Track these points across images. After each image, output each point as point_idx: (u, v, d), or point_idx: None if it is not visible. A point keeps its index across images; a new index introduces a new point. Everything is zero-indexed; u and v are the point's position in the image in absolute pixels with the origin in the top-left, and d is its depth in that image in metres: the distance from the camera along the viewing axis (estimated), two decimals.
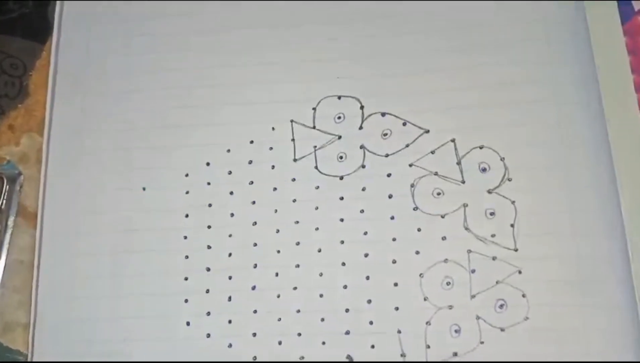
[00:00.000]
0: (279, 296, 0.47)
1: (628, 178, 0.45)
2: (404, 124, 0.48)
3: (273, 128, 0.50)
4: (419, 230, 0.47)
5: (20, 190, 0.51)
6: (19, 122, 0.53)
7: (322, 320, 0.46)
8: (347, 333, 0.46)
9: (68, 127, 0.51)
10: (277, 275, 0.47)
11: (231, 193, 0.49)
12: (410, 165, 0.48)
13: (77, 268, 0.49)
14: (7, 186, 0.50)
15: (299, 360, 0.46)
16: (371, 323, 0.45)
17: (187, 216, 0.49)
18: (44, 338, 0.47)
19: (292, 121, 0.50)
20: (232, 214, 0.48)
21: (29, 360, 0.47)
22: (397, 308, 0.46)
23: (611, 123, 0.46)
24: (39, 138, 0.52)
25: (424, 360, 0.45)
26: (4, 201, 0.50)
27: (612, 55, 0.48)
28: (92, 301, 0.48)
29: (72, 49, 0.53)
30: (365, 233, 0.47)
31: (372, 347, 0.45)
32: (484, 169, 0.47)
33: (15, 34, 0.55)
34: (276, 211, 0.48)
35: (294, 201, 0.48)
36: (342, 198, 0.48)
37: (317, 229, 0.48)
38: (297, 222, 0.48)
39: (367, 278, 0.46)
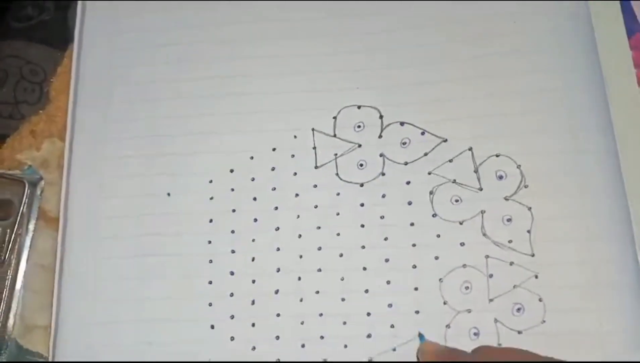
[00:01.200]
0: (301, 300, 0.48)
1: (636, 183, 0.47)
2: (422, 133, 0.50)
3: (295, 136, 0.51)
4: (438, 236, 0.48)
5: (41, 195, 0.52)
6: (41, 128, 0.53)
7: (344, 323, 0.47)
8: (369, 336, 0.47)
9: (90, 133, 0.52)
10: (299, 279, 0.48)
11: (254, 198, 0.50)
12: (429, 173, 0.49)
13: (99, 271, 0.49)
14: (29, 191, 0.51)
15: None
16: (392, 326, 0.47)
17: (211, 221, 0.49)
18: (65, 341, 0.48)
19: (313, 129, 0.51)
20: (255, 220, 0.49)
21: (50, 361, 0.47)
22: (417, 312, 0.47)
23: (619, 131, 0.48)
24: (60, 143, 0.52)
25: None
26: (25, 206, 0.51)
27: (619, 67, 0.50)
28: (114, 305, 0.49)
29: (94, 55, 0.54)
30: (386, 239, 0.48)
31: (394, 349, 0.46)
32: (500, 177, 0.49)
33: (35, 41, 0.56)
34: (298, 216, 0.49)
35: (316, 207, 0.49)
36: (362, 205, 0.49)
37: (338, 234, 0.49)
38: (319, 228, 0.49)
39: (388, 282, 0.47)
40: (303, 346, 0.47)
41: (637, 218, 0.46)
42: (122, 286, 0.49)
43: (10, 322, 0.49)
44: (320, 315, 0.47)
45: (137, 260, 0.49)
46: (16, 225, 0.50)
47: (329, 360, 0.46)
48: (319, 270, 0.48)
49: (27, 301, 0.50)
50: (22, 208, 0.51)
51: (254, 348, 0.47)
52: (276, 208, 0.49)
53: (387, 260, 0.48)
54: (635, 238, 0.46)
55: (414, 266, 0.47)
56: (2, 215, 0.50)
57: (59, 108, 0.53)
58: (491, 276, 0.47)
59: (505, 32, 0.51)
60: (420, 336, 0.46)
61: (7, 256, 0.50)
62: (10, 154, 0.53)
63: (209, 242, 0.49)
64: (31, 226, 0.51)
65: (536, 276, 0.46)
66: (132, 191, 0.50)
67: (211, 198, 0.50)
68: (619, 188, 0.47)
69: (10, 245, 0.50)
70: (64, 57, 0.55)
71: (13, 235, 0.50)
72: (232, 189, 0.50)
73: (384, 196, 0.49)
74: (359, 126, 0.50)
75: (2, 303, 0.49)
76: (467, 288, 0.47)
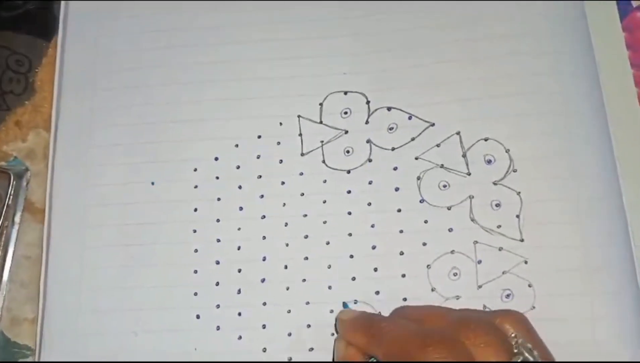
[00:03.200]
0: (288, 288, 0.47)
1: (628, 165, 0.46)
2: (410, 118, 0.49)
3: (281, 123, 0.50)
4: (425, 221, 0.47)
5: (27, 186, 0.51)
6: (26, 119, 0.53)
7: (331, 311, 0.46)
8: None
9: (75, 123, 0.51)
10: (286, 267, 0.47)
11: (240, 187, 0.49)
12: (416, 158, 0.48)
13: (85, 262, 0.49)
14: (14, 182, 0.50)
15: (308, 352, 0.46)
16: (380, 314, 0.46)
17: (196, 210, 0.49)
18: (52, 332, 0.48)
19: (299, 116, 0.50)
20: (240, 208, 0.49)
21: (37, 354, 0.47)
22: (405, 299, 0.46)
23: (612, 115, 0.47)
24: (45, 134, 0.52)
25: None
26: (11, 197, 0.50)
27: (612, 50, 0.49)
28: (100, 295, 0.48)
29: (79, 45, 0.53)
30: (373, 226, 0.48)
31: None
32: (489, 161, 0.48)
33: (21, 31, 0.55)
34: (284, 204, 0.49)
35: (302, 194, 0.49)
36: (349, 192, 0.48)
37: (325, 222, 0.48)
38: (305, 215, 0.48)
39: (375, 269, 0.47)
40: (290, 335, 0.46)
41: (629, 201, 0.45)
42: (107, 275, 0.48)
43: None
44: (307, 303, 0.47)
45: (122, 250, 0.49)
46: (2, 217, 0.50)
47: (315, 349, 0.46)
48: (306, 258, 0.47)
49: (14, 294, 0.49)
50: (7, 199, 0.50)
51: (240, 337, 0.47)
52: (262, 196, 0.49)
53: (374, 247, 0.47)
54: (627, 221, 0.45)
55: (402, 253, 0.47)
56: None
57: (45, 99, 0.53)
58: (480, 262, 0.46)
59: (493, 14, 0.51)
60: (344, 304, 0.45)
61: None
62: None
63: (194, 231, 0.48)
64: (17, 218, 0.51)
65: (525, 262, 0.46)
66: (117, 180, 0.50)
67: (196, 187, 0.49)
68: (611, 172, 0.46)
69: None
70: (49, 47, 0.54)
71: None
72: (217, 178, 0.49)
73: (370, 182, 0.48)
74: (345, 113, 0.50)
75: None
76: (455, 274, 0.46)
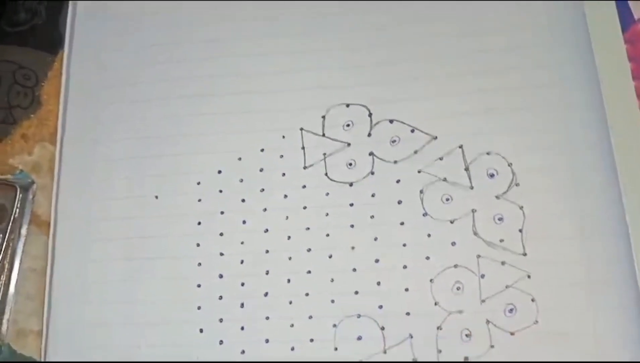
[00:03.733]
0: (291, 302, 0.47)
1: (631, 179, 0.46)
2: (412, 130, 0.49)
3: (283, 136, 0.50)
4: (428, 235, 0.47)
5: (33, 199, 0.52)
6: (32, 132, 0.53)
7: (334, 325, 0.46)
8: (359, 338, 0.46)
9: (80, 136, 0.52)
10: (289, 281, 0.47)
11: (243, 200, 0.49)
12: (419, 171, 0.48)
13: (90, 275, 0.49)
14: (20, 195, 0.51)
15: None
16: (383, 328, 0.46)
17: (199, 223, 0.49)
18: (57, 344, 0.48)
19: (301, 129, 0.50)
20: (244, 222, 0.49)
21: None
22: (408, 313, 0.46)
23: (614, 128, 0.47)
24: (51, 148, 0.52)
25: None
26: (17, 210, 0.51)
27: (614, 62, 0.49)
28: (104, 308, 0.49)
29: (84, 59, 0.54)
30: (376, 239, 0.48)
31: (385, 352, 0.46)
32: (491, 175, 0.48)
33: (27, 45, 0.56)
34: (287, 218, 0.49)
35: (305, 208, 0.49)
36: (352, 204, 0.48)
37: (327, 235, 0.48)
38: (308, 229, 0.48)
39: (378, 283, 0.47)
40: (292, 349, 0.46)
41: (632, 215, 0.45)
42: (111, 288, 0.49)
43: (4, 327, 0.49)
44: (310, 317, 0.47)
45: (126, 263, 0.49)
46: (8, 230, 0.50)
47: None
48: (309, 272, 0.47)
49: (20, 306, 0.50)
50: (14, 212, 0.51)
51: (243, 351, 0.47)
52: (265, 210, 0.49)
53: (377, 261, 0.47)
54: (630, 236, 0.45)
55: (405, 267, 0.47)
56: None
57: (50, 112, 0.53)
58: (483, 276, 0.46)
59: (496, 28, 0.50)
60: None
61: None
62: (2, 159, 0.53)
63: (198, 245, 0.49)
64: (23, 231, 0.51)
65: (528, 276, 0.46)
66: (121, 193, 0.50)
67: (199, 200, 0.49)
68: (613, 186, 0.46)
69: (3, 250, 0.50)
70: (54, 61, 0.55)
71: (5, 239, 0.50)
72: (220, 191, 0.50)
73: (373, 195, 0.48)
74: (347, 125, 0.50)
75: None
76: (458, 288, 0.46)
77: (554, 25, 0.50)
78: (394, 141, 0.49)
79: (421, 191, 0.48)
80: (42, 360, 0.48)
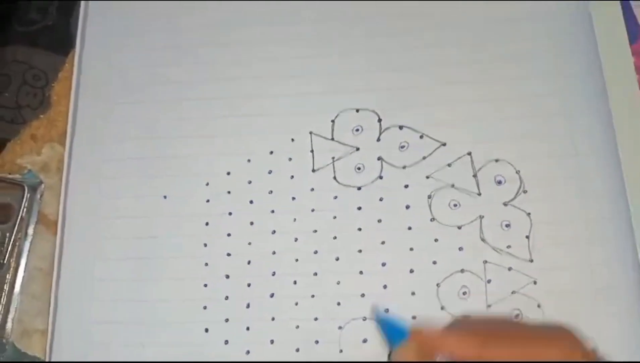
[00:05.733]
0: (297, 304, 0.47)
1: (637, 187, 0.46)
2: (421, 137, 0.49)
3: (292, 139, 0.50)
4: (435, 240, 0.47)
5: (40, 199, 0.52)
6: (41, 133, 0.53)
7: (340, 328, 0.46)
8: (365, 341, 0.46)
9: (89, 137, 0.52)
10: (295, 283, 0.48)
11: (251, 202, 0.49)
12: (427, 177, 0.49)
13: (97, 274, 0.49)
14: (28, 195, 0.51)
15: None
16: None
17: (207, 224, 0.49)
18: (62, 344, 0.48)
19: (311, 132, 0.51)
20: (251, 223, 0.49)
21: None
22: (414, 317, 0.46)
23: (621, 137, 0.47)
24: (60, 148, 0.53)
25: None
26: (25, 210, 0.51)
27: (621, 73, 0.49)
28: (110, 308, 0.49)
29: (95, 60, 0.54)
30: (383, 243, 0.48)
31: (390, 355, 0.45)
32: (499, 182, 0.48)
33: (38, 46, 0.56)
34: (295, 220, 0.49)
35: (313, 210, 0.49)
36: (359, 208, 0.49)
37: (335, 238, 0.48)
38: (316, 231, 0.48)
39: (385, 287, 0.47)
40: (298, 350, 0.46)
41: (638, 222, 0.45)
42: (117, 288, 0.49)
43: (9, 325, 0.49)
44: (316, 319, 0.47)
45: (133, 262, 0.49)
46: (15, 229, 0.50)
47: None
48: (315, 274, 0.48)
49: (25, 305, 0.50)
50: (21, 211, 0.51)
51: (248, 352, 0.47)
52: (273, 212, 0.49)
53: (384, 264, 0.47)
54: (636, 242, 0.45)
55: (411, 271, 0.47)
56: (2, 219, 0.51)
57: (60, 113, 0.54)
58: (489, 281, 0.46)
59: (505, 36, 0.51)
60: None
61: (6, 260, 0.50)
62: (11, 158, 0.53)
63: (205, 245, 0.49)
64: (30, 230, 0.51)
65: (535, 282, 0.46)
66: (129, 193, 0.50)
67: (207, 201, 0.50)
68: (620, 193, 0.46)
69: (10, 248, 0.50)
70: (65, 62, 0.55)
71: (12, 238, 0.50)
72: (229, 192, 0.50)
73: (381, 199, 0.49)
74: (357, 130, 0.50)
75: (0, 307, 0.49)
76: (464, 293, 0.46)
77: (561, 34, 0.51)
78: (402, 147, 0.49)
79: (429, 197, 0.48)
80: (47, 359, 0.47)
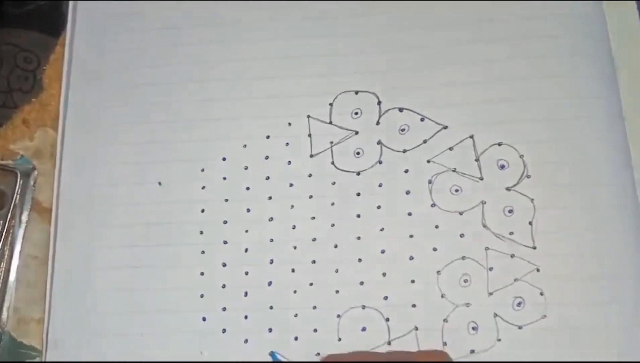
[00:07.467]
0: (295, 292, 0.46)
1: None
2: (422, 119, 0.48)
3: (289, 123, 0.49)
4: (436, 226, 0.46)
5: (34, 185, 0.51)
6: (33, 117, 0.52)
7: (339, 316, 0.46)
8: (364, 329, 0.45)
9: (82, 122, 0.51)
10: (293, 271, 0.47)
11: (247, 188, 0.49)
12: (428, 161, 0.48)
13: (92, 262, 0.48)
14: (21, 181, 0.50)
15: (315, 357, 0.45)
16: (388, 320, 0.45)
17: (203, 211, 0.48)
18: (58, 333, 0.47)
19: (308, 116, 0.49)
20: (248, 210, 0.48)
21: (43, 354, 0.47)
22: (414, 305, 0.45)
23: (630, 122, 0.46)
24: (53, 133, 0.51)
25: None
26: (18, 196, 0.50)
27: (631, 54, 0.48)
28: (106, 296, 0.48)
29: (87, 42, 0.53)
30: (382, 229, 0.47)
31: (389, 343, 0.45)
32: (502, 166, 0.47)
33: (30, 28, 0.54)
34: (292, 206, 0.48)
35: (310, 197, 0.48)
36: (358, 194, 0.48)
37: (333, 225, 0.47)
38: (314, 218, 0.48)
39: (384, 274, 0.46)
40: (296, 339, 0.46)
41: None
42: (113, 276, 0.48)
43: (4, 314, 0.48)
44: (314, 307, 0.46)
45: (128, 250, 0.48)
46: (9, 216, 0.49)
47: (322, 353, 0.45)
48: (313, 262, 0.47)
49: (20, 294, 0.49)
50: (14, 198, 0.50)
51: (246, 340, 0.46)
52: (270, 198, 0.48)
53: (383, 252, 0.46)
54: None
55: (411, 258, 0.46)
56: None
57: (52, 96, 0.52)
58: (491, 269, 0.45)
59: (509, 16, 0.49)
60: (273, 355, 0.45)
61: (0, 248, 0.49)
62: (2, 144, 0.52)
63: (201, 232, 0.48)
64: (24, 217, 0.50)
65: (537, 270, 0.45)
66: (124, 179, 0.49)
67: (203, 187, 0.49)
68: (626, 179, 0.45)
69: (3, 236, 0.49)
70: (57, 44, 0.54)
71: (6, 226, 0.49)
72: (225, 178, 0.49)
73: (380, 185, 0.48)
74: (356, 113, 0.49)
75: None
76: (466, 281, 0.45)
77: (570, 14, 0.49)
78: (403, 130, 0.48)
79: (430, 182, 0.47)
80: (44, 348, 0.47)
